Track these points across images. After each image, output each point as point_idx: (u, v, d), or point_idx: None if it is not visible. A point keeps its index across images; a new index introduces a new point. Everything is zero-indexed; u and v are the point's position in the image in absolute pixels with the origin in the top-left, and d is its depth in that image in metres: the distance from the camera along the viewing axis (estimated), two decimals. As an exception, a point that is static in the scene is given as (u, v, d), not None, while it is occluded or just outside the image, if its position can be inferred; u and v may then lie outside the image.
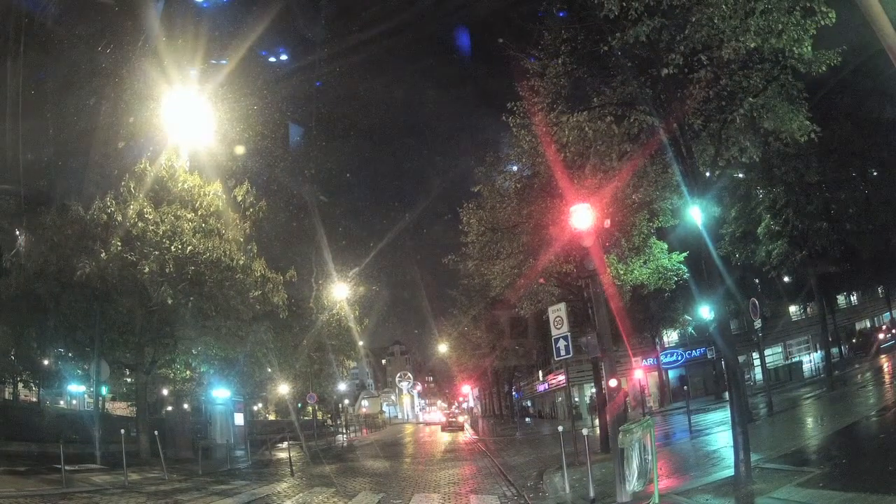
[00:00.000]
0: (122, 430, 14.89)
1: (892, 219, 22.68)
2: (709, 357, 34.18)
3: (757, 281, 30.07)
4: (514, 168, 15.06)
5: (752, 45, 7.77)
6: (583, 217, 8.98)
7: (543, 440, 23.33)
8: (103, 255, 15.34)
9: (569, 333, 11.00)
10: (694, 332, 32.01)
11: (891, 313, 32.55)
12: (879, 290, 34.38)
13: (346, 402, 56.90)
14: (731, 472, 8.34)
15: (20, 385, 26.55)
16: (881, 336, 32.52)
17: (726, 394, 19.04)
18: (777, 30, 7.64)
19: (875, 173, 25.14)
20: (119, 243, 15.38)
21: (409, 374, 70.07)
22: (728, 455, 9.12)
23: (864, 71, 16.87)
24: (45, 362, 21.80)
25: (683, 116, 9.08)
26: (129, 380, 23.33)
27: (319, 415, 44.68)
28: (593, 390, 26.85)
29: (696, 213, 9.27)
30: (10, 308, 16.03)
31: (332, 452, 25.03)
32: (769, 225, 25.23)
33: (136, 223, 15.75)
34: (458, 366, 49.56)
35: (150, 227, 15.81)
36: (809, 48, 7.87)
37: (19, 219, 18.38)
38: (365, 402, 74.80)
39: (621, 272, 15.82)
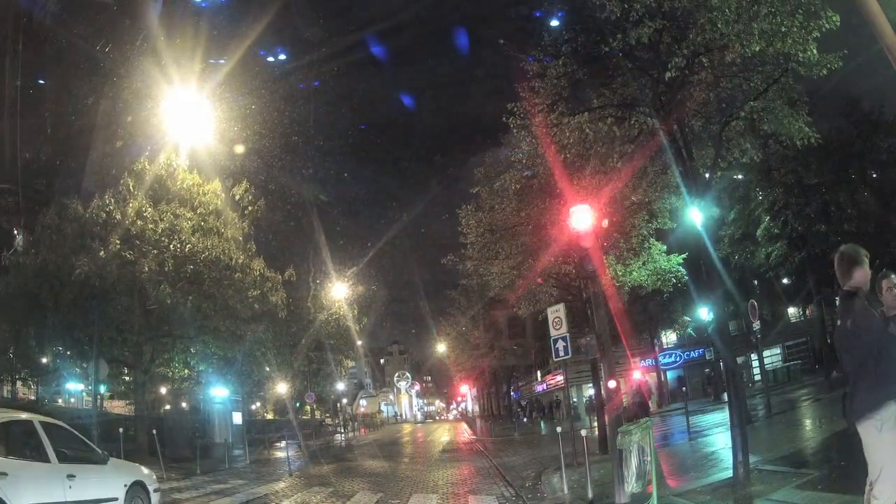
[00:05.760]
0: (121, 429, 14.86)
1: (891, 220, 22.70)
2: (707, 358, 34.18)
3: (756, 282, 30.12)
4: (515, 169, 15.03)
5: (757, 49, 7.74)
6: (583, 218, 8.92)
7: (542, 440, 23.32)
8: (102, 253, 15.34)
9: (568, 334, 10.98)
10: (693, 332, 32.00)
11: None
12: (878, 293, 34.33)
13: (345, 401, 56.79)
14: (729, 473, 8.34)
15: (19, 383, 26.53)
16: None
17: (725, 395, 19.05)
18: (781, 33, 7.60)
19: (874, 175, 25.18)
20: (118, 242, 15.38)
21: (408, 374, 70.06)
22: (726, 456, 9.13)
23: (862, 72, 16.87)
24: (44, 360, 21.75)
25: (683, 118, 9.07)
26: (127, 378, 23.29)
27: (318, 414, 44.64)
28: (592, 391, 26.86)
29: (695, 215, 9.26)
30: (9, 306, 16.00)
31: (331, 452, 25.00)
32: (768, 227, 25.28)
33: (135, 222, 15.76)
34: (457, 366, 49.53)
35: (149, 226, 15.82)
36: (815, 51, 7.84)
37: (18, 217, 18.38)
38: (363, 402, 74.69)
39: (620, 273, 15.79)
